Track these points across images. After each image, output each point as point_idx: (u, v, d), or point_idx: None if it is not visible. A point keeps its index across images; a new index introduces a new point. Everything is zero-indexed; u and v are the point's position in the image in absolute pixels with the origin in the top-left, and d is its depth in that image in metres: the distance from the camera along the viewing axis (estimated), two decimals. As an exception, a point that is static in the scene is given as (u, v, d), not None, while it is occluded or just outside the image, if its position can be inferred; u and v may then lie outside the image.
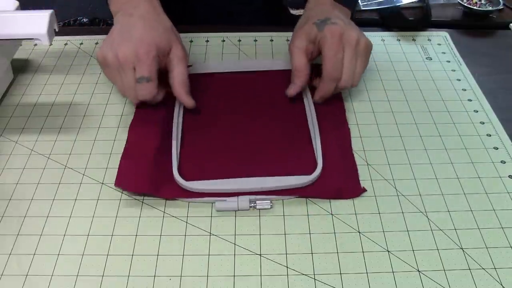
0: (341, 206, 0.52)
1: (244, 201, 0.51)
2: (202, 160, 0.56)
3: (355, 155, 0.58)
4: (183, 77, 0.58)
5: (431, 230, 0.50)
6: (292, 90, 0.62)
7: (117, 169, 0.55)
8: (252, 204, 0.51)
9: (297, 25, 0.65)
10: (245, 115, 0.62)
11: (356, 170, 0.56)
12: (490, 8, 0.84)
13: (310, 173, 0.53)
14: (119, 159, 0.56)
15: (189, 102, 0.59)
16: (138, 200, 0.53)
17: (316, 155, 0.56)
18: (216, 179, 0.53)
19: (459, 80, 0.70)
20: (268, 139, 0.58)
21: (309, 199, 0.53)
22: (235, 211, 0.52)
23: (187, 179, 0.53)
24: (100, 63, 0.57)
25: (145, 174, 0.54)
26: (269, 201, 0.52)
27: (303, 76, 0.60)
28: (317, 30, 0.59)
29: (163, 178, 0.53)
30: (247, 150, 0.57)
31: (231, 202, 0.51)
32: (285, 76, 0.64)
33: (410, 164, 0.57)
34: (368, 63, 0.62)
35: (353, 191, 0.53)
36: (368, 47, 0.61)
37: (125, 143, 0.58)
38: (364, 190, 0.53)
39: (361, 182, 0.55)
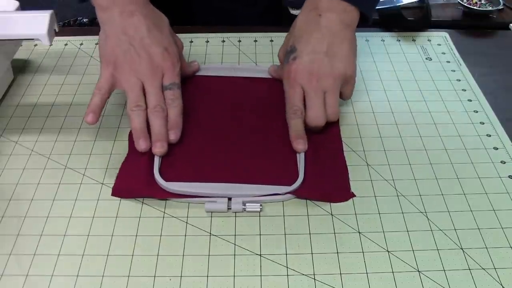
0: (341, 206, 0.52)
1: (236, 203, 0.51)
2: (185, 162, 0.56)
3: (355, 155, 0.58)
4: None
5: (431, 230, 0.50)
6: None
7: (117, 173, 0.55)
8: (243, 207, 0.51)
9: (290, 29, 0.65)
10: (234, 120, 0.61)
11: (347, 175, 0.55)
12: (490, 8, 0.84)
13: (291, 183, 0.52)
14: (119, 160, 0.56)
15: (195, 66, 0.68)
16: (138, 200, 0.53)
17: (298, 165, 0.55)
18: (197, 181, 0.53)
19: (459, 80, 0.70)
20: (254, 146, 0.58)
21: (309, 200, 0.53)
22: (225, 212, 0.51)
23: (170, 180, 0.52)
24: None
25: (140, 176, 0.54)
26: (259, 204, 0.51)
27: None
28: (284, 61, 0.60)
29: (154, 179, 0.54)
30: (233, 155, 0.57)
31: (221, 204, 0.51)
32: (279, 84, 0.64)
33: (410, 164, 0.57)
34: (352, 91, 0.61)
35: (341, 196, 0.53)
36: (339, 78, 0.58)
37: (125, 145, 0.58)
38: (353, 195, 0.53)
39: (361, 182, 0.55)
